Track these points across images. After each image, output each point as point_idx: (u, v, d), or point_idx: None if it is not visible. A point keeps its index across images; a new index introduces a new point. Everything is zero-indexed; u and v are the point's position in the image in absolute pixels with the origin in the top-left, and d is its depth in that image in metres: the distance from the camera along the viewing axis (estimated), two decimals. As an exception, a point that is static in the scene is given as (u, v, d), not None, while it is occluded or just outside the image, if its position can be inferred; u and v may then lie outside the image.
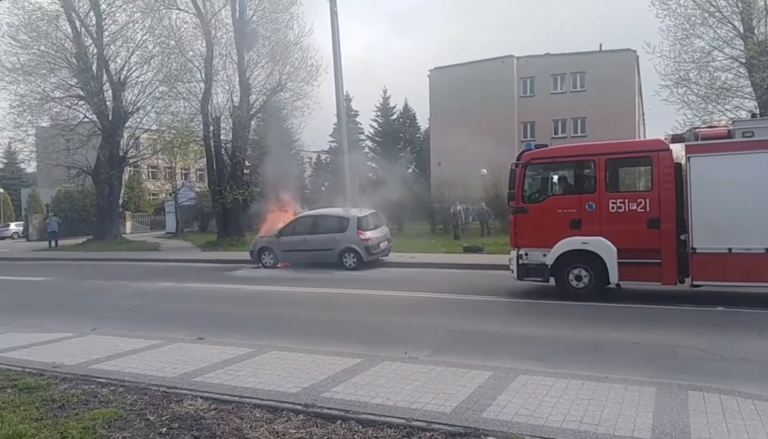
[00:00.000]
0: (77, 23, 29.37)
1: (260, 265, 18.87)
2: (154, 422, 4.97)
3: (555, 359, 7.02)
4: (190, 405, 5.33)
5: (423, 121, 61.06)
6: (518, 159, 11.82)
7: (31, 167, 45.30)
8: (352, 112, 60.96)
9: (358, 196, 21.68)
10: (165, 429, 4.79)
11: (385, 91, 63.40)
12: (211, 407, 5.28)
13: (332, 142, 59.22)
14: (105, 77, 30.29)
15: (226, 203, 28.17)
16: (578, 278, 11.09)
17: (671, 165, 10.48)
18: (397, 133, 62.11)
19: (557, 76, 45.02)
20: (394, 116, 63.58)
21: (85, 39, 29.83)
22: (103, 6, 29.59)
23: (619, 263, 10.61)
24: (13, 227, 49.79)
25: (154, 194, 54.52)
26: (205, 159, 30.97)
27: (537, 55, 46.01)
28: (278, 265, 18.60)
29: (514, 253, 11.80)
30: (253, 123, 29.85)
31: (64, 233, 34.16)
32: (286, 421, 4.90)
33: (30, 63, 28.41)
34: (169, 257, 24.39)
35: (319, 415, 5.01)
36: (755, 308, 9.88)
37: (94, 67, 29.79)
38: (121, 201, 38.09)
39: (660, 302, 10.64)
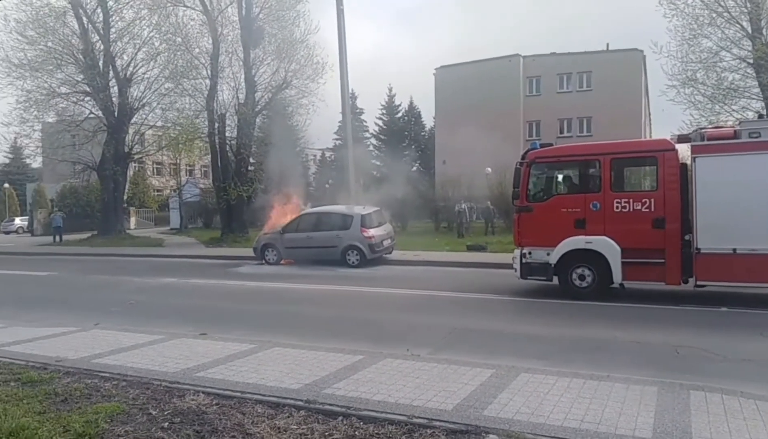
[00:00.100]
0: (84, 19, 29.45)
1: (264, 261, 18.91)
2: (157, 416, 4.98)
3: (557, 358, 7.01)
4: (193, 400, 5.35)
5: (428, 120, 61.06)
6: (523, 158, 11.80)
7: (36, 162, 45.46)
8: (357, 110, 60.95)
9: (362, 194, 21.68)
10: (167, 424, 4.81)
11: (390, 89, 63.44)
12: (213, 402, 5.29)
13: (337, 139, 59.19)
14: (111, 73, 30.36)
15: (230, 200, 28.23)
16: (582, 278, 11.07)
17: (677, 165, 10.44)
18: (402, 131, 62.05)
19: (563, 75, 44.87)
20: (399, 114, 63.54)
21: (92, 35, 29.90)
22: (111, 2, 29.65)
23: (623, 263, 10.58)
24: (18, 221, 50.02)
25: (158, 190, 54.70)
26: (209, 156, 31.03)
27: (543, 55, 45.85)
28: (281, 261, 18.63)
29: (517, 252, 11.78)
30: (258, 120, 29.85)
31: (69, 228, 34.27)
32: (288, 417, 4.91)
33: (37, 59, 28.49)
34: (172, 252, 24.43)
35: (321, 411, 5.01)
36: (759, 309, 9.85)
37: (100, 63, 29.88)
38: (125, 197, 38.17)
39: (663, 302, 10.61)
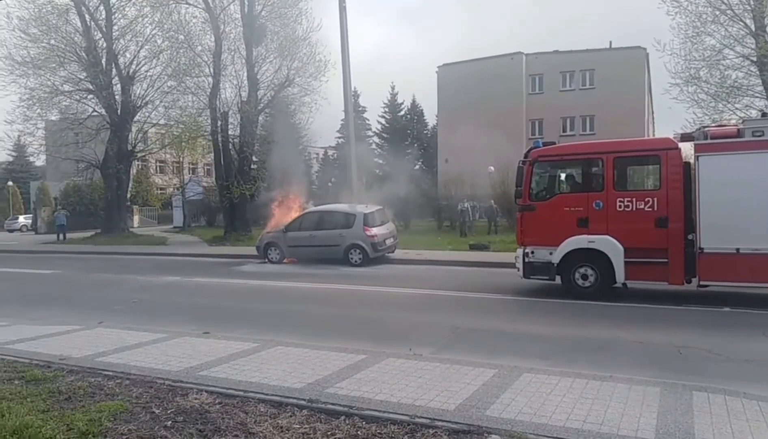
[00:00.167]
0: (87, 17, 29.51)
1: (266, 260, 18.94)
2: (160, 415, 5.00)
3: (559, 358, 7.01)
4: (196, 399, 5.36)
5: (431, 118, 61.05)
6: (526, 157, 11.79)
7: (40, 161, 45.46)
8: (360, 109, 60.90)
9: (365, 193, 21.68)
10: (170, 422, 4.82)
11: (392, 88, 63.40)
12: (216, 401, 5.31)
13: (339, 138, 59.21)
14: (114, 71, 30.42)
15: (233, 198, 28.26)
16: (584, 277, 11.06)
17: (680, 164, 10.41)
18: (405, 129, 62.01)
19: (566, 73, 44.79)
20: (402, 113, 63.49)
21: (95, 33, 29.96)
22: (113, 0, 29.70)
23: (626, 262, 10.56)
24: (22, 219, 50.17)
25: (161, 189, 54.81)
26: (212, 154, 31.05)
27: (546, 52, 45.76)
28: (284, 260, 18.65)
29: (520, 251, 11.77)
30: (260, 118, 29.87)
31: (72, 226, 34.35)
32: (290, 416, 4.92)
33: (40, 57, 28.55)
34: (176, 251, 24.49)
35: (323, 410, 5.02)
36: (762, 309, 9.83)
37: (103, 61, 29.93)
38: (128, 195, 38.28)
39: (666, 302, 10.59)
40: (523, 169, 11.60)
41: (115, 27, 30.08)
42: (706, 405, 4.97)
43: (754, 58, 19.90)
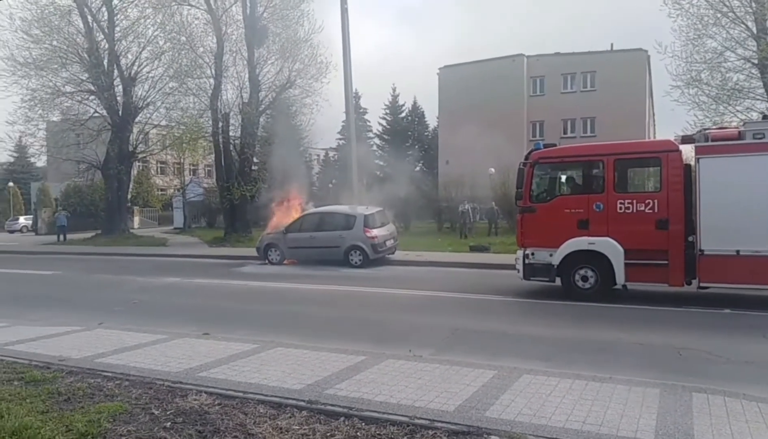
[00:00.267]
0: (89, 18, 29.54)
1: (267, 261, 18.94)
2: (159, 416, 5.00)
3: (559, 359, 7.01)
4: (195, 400, 5.36)
5: (431, 120, 61.08)
6: (526, 158, 11.79)
7: (41, 161, 45.51)
8: (361, 110, 60.98)
9: (365, 194, 21.69)
10: (169, 423, 4.82)
11: (394, 89, 63.45)
12: (216, 402, 5.31)
13: (340, 139, 59.21)
14: (116, 72, 30.45)
15: (233, 199, 28.26)
16: (584, 279, 11.05)
17: (680, 166, 10.41)
18: (406, 131, 62.04)
19: (567, 75, 44.83)
20: (403, 114, 63.51)
21: (97, 34, 29.99)
22: (115, 1, 29.74)
23: (626, 264, 10.56)
24: (23, 220, 50.18)
25: (162, 190, 54.84)
26: (213, 155, 31.07)
27: (547, 54, 45.82)
28: (285, 261, 18.65)
29: (520, 252, 11.77)
30: (262, 119, 29.91)
31: (73, 227, 34.37)
32: (290, 417, 4.92)
33: (42, 58, 28.58)
34: (176, 252, 24.49)
35: (323, 412, 5.02)
36: (762, 311, 9.83)
37: (105, 62, 29.96)
38: (129, 196, 38.31)
39: (666, 304, 10.58)
40: (523, 171, 11.60)
41: (118, 28, 30.13)
42: (705, 406, 4.97)
43: (756, 61, 19.88)
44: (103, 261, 22.39)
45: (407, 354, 7.00)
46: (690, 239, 10.31)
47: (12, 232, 47.53)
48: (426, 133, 62.59)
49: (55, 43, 28.70)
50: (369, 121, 65.15)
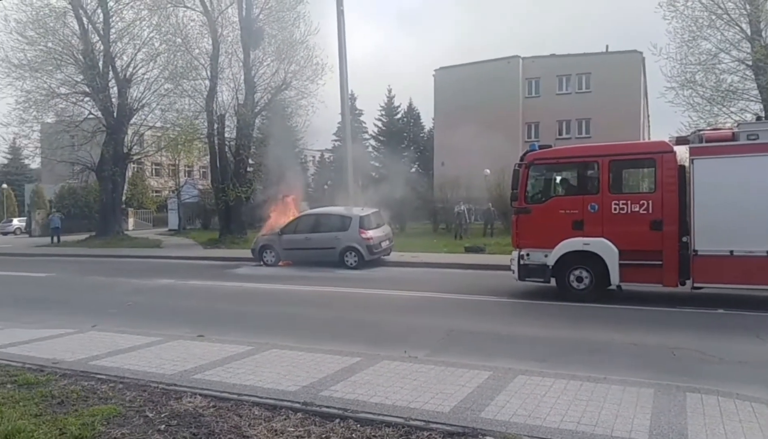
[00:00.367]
0: (84, 20, 29.44)
1: (262, 263, 18.90)
2: (153, 419, 4.98)
3: (554, 360, 7.03)
4: (189, 402, 5.35)
5: (427, 121, 61.05)
6: (522, 159, 11.81)
7: (35, 163, 45.54)
8: (357, 111, 60.93)
9: (361, 195, 21.68)
10: (164, 426, 4.80)
11: (389, 91, 63.42)
12: (210, 405, 5.29)
13: (336, 140, 59.16)
14: (111, 74, 30.35)
15: (228, 201, 28.22)
16: (579, 279, 11.08)
17: (675, 167, 10.45)
18: (401, 132, 62.01)
19: (563, 77, 44.92)
20: (399, 116, 63.53)
21: (92, 36, 29.90)
22: (111, 3, 29.68)
23: (621, 265, 10.60)
24: (16, 222, 49.95)
25: (157, 191, 54.67)
26: (208, 156, 31.01)
27: (543, 56, 45.92)
28: (280, 263, 18.62)
29: (515, 253, 11.80)
30: (257, 121, 29.89)
31: (67, 229, 34.26)
32: (285, 419, 4.91)
33: (37, 59, 28.49)
34: (171, 254, 24.42)
35: (318, 413, 5.01)
36: (755, 311, 9.86)
37: (100, 63, 29.87)
38: (124, 198, 38.15)
39: (660, 304, 10.62)
40: (519, 172, 11.62)
41: (113, 30, 30.07)
42: (699, 406, 4.98)
43: (750, 63, 19.98)
44: (98, 263, 22.30)
45: (402, 355, 7.00)
46: (684, 239, 10.35)
47: (5, 234, 47.32)
48: (422, 135, 62.62)
49: (50, 44, 28.61)
50: (365, 123, 65.16)
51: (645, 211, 10.50)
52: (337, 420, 4.86)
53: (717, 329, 8.83)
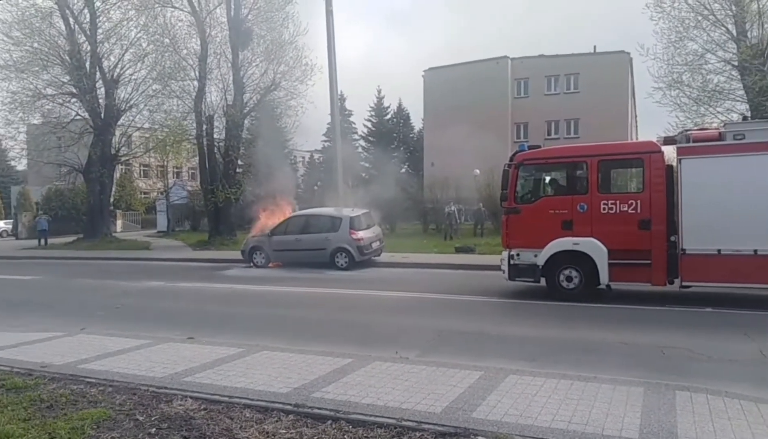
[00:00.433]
0: (71, 20, 29.16)
1: (252, 264, 18.83)
2: (144, 422, 4.95)
3: (545, 359, 7.06)
4: (180, 405, 5.32)
5: (417, 121, 61.09)
6: (511, 160, 11.86)
7: (21, 165, 45.02)
8: (346, 112, 60.90)
9: (351, 196, 21.66)
10: (154, 430, 4.77)
11: (379, 91, 63.47)
12: (201, 408, 5.26)
13: (326, 141, 59.06)
14: (98, 75, 30.07)
15: (218, 202, 28.09)
16: (569, 279, 11.14)
17: (663, 167, 10.54)
18: (391, 133, 62.01)
19: (551, 77, 45.13)
20: (388, 116, 63.53)
21: (79, 36, 29.61)
22: (98, 3, 29.38)
23: (610, 264, 10.67)
24: (2, 225, 49.27)
25: (145, 193, 54.25)
26: (197, 158, 30.83)
27: (531, 57, 46.11)
28: (270, 264, 18.56)
29: (505, 253, 11.84)
30: (246, 122, 29.78)
31: (54, 231, 33.91)
32: (276, 421, 4.90)
33: (22, 60, 28.16)
34: (160, 256, 24.29)
35: (310, 415, 5.01)
36: (743, 309, 9.97)
37: (87, 64, 29.58)
38: (112, 199, 37.83)
39: (649, 303, 10.70)
40: (508, 172, 11.67)
41: (100, 30, 29.77)
42: (688, 404, 5.03)
43: (736, 63, 20.20)
44: (85, 265, 22.11)
45: (394, 356, 7.01)
46: (672, 238, 10.44)
47: (-8, 236, 46.75)
48: (411, 135, 62.65)
49: (36, 45, 28.30)
50: (354, 123, 65.09)
51: (633, 211, 10.59)
52: (329, 422, 4.85)
53: (706, 327, 8.90)
